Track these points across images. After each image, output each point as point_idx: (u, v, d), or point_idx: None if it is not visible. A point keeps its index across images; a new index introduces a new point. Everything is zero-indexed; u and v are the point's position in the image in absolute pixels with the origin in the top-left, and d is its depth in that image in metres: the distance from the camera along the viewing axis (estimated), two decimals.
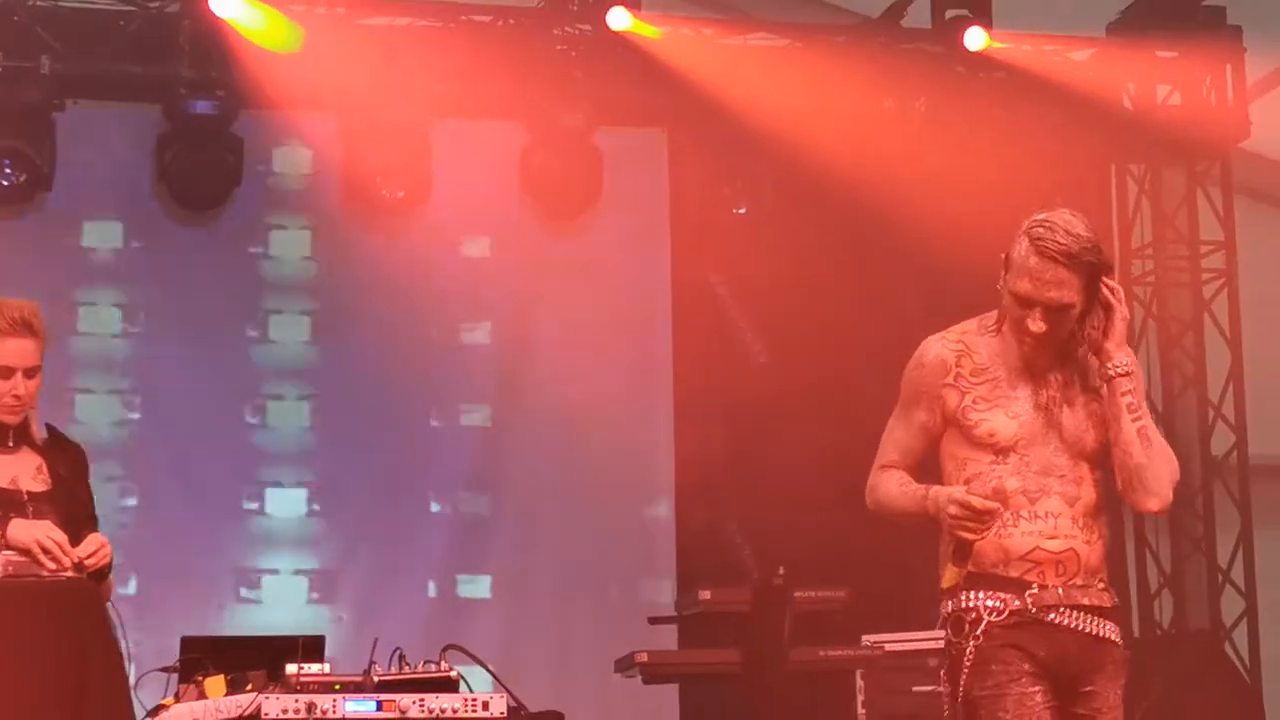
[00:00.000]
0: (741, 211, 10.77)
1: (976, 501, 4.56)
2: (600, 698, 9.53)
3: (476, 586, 10.46)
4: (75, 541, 5.43)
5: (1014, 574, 4.65)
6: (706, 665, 9.10)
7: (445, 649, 6.15)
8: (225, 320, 10.32)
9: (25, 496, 5.51)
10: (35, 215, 9.97)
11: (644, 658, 8.98)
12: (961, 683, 4.69)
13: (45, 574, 5.36)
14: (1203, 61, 11.08)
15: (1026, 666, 4.63)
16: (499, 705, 5.87)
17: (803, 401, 10.46)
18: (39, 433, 5.67)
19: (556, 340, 10.52)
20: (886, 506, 4.85)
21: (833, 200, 10.36)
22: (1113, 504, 4.81)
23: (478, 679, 6.27)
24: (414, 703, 5.80)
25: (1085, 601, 4.67)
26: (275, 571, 10.26)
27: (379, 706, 5.78)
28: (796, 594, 8.89)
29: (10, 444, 5.60)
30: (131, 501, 9.96)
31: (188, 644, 6.26)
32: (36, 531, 5.37)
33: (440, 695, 5.83)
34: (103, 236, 10.19)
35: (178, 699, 5.95)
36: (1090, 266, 4.61)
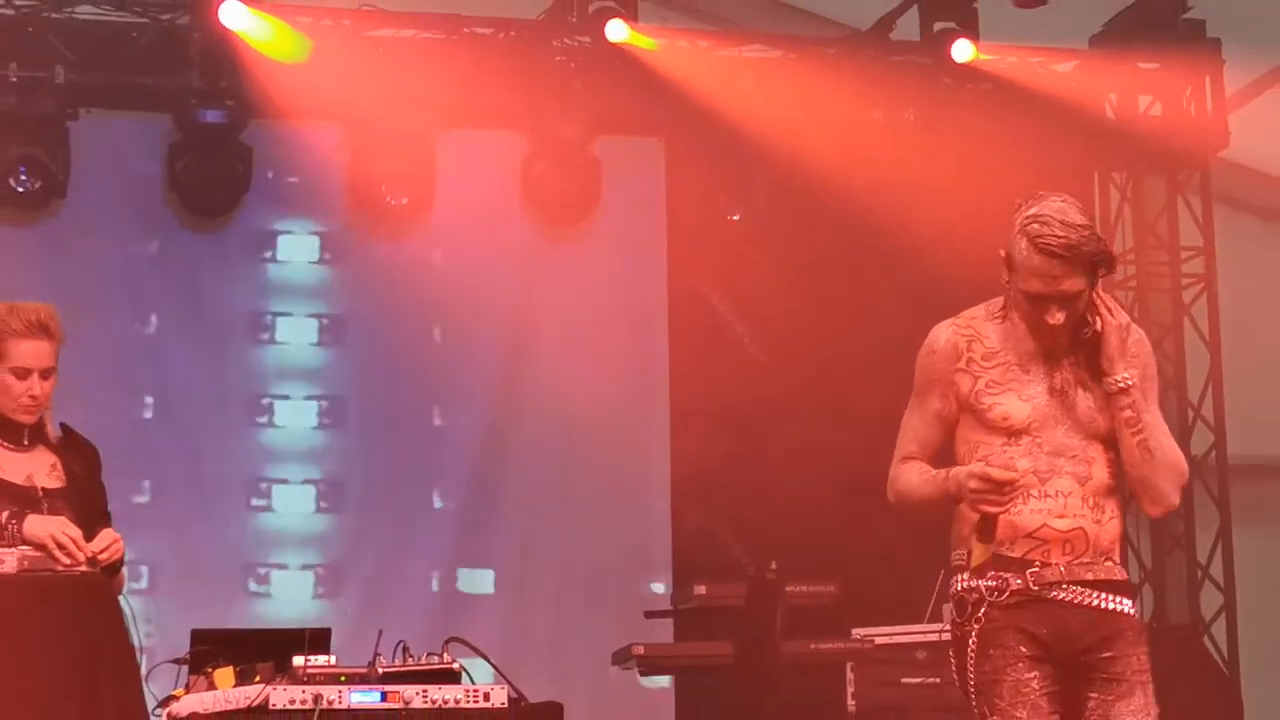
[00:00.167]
0: (736, 218, 10.76)
1: (995, 472, 4.47)
2: (598, 689, 9.52)
3: (478, 581, 10.45)
4: (89, 537, 5.43)
5: (1018, 553, 4.56)
6: (701, 658, 9.11)
7: (447, 641, 6.13)
8: (235, 322, 10.31)
9: (40, 493, 5.52)
10: (50, 220, 9.96)
11: (641, 650, 9.00)
12: (965, 664, 4.59)
13: (60, 568, 5.36)
14: (1183, 73, 11.07)
15: (1024, 650, 4.54)
16: (500, 696, 5.86)
17: (795, 402, 10.45)
18: (54, 431, 5.67)
19: (556, 342, 10.51)
20: (908, 497, 4.73)
21: (824, 207, 10.36)
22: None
23: (479, 671, 6.26)
24: (417, 694, 5.79)
25: (1089, 577, 4.57)
26: (283, 566, 10.25)
27: (383, 697, 5.77)
28: (788, 589, 8.90)
29: (26, 442, 5.60)
30: (143, 498, 9.94)
31: (198, 637, 6.25)
32: (52, 527, 5.37)
33: (443, 686, 5.82)
34: (115, 241, 10.18)
35: (188, 690, 5.94)
36: (1093, 255, 4.52)
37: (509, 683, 5.97)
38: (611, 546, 10.46)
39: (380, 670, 5.87)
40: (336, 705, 5.69)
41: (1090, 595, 4.57)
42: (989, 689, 4.54)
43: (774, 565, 8.92)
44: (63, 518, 5.42)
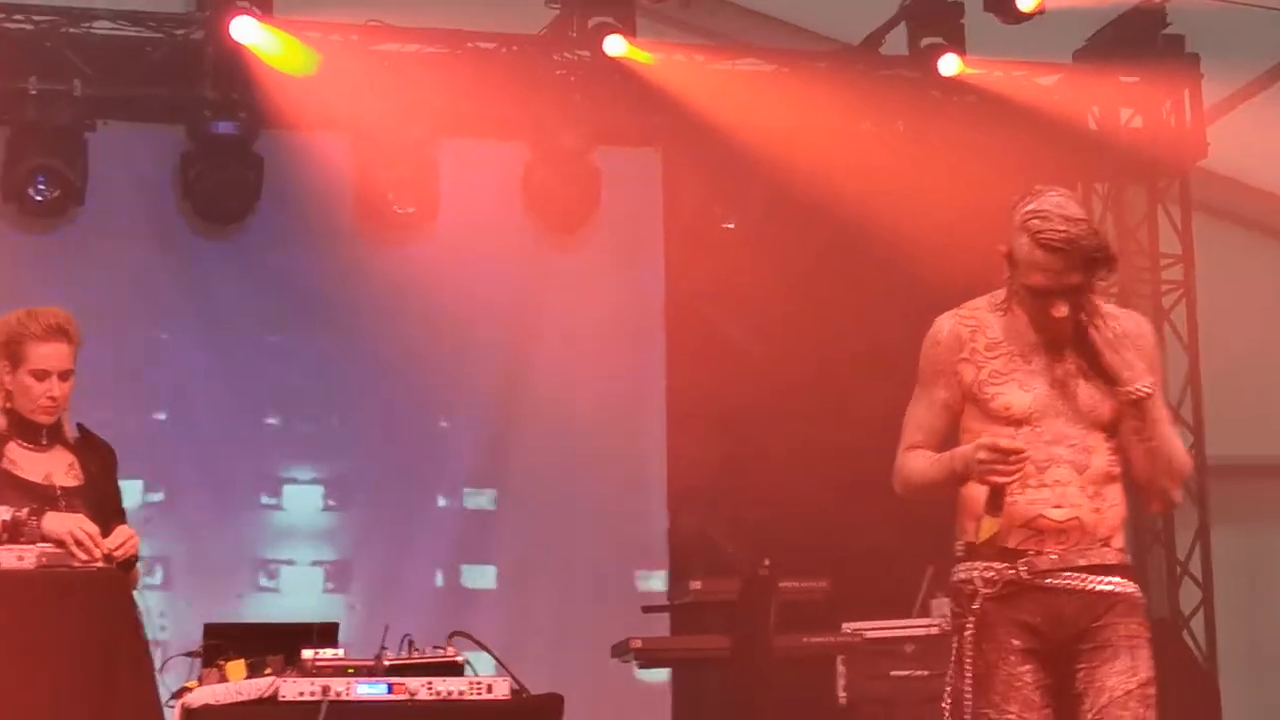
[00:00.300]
0: (731, 226, 10.76)
1: (1003, 442, 4.40)
2: (597, 681, 9.51)
3: (481, 577, 10.45)
4: (105, 534, 5.44)
5: (1012, 543, 4.49)
6: (697, 651, 9.12)
7: (451, 635, 6.14)
8: (247, 327, 10.30)
9: (58, 491, 5.53)
10: (68, 228, 9.95)
11: (638, 644, 9.01)
12: (962, 656, 4.51)
13: (77, 564, 5.36)
14: (1163, 86, 11.08)
15: (1017, 644, 4.48)
16: (502, 688, 5.86)
17: (787, 404, 10.45)
18: (71, 432, 5.69)
19: (556, 346, 10.51)
20: (915, 482, 4.64)
21: (816, 215, 10.35)
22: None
23: (482, 663, 6.27)
24: (422, 685, 5.80)
25: (1082, 562, 4.48)
26: (292, 563, 10.24)
27: (390, 689, 5.77)
28: (781, 584, 8.91)
29: (44, 442, 5.62)
30: (158, 497, 9.94)
31: (210, 630, 6.25)
32: (70, 523, 5.38)
33: (447, 678, 5.82)
34: (132, 248, 10.18)
35: (201, 682, 5.94)
36: (1093, 249, 4.45)
37: (511, 675, 5.97)
38: (610, 544, 10.46)
39: (386, 663, 5.88)
40: (344, 697, 5.69)
41: (1083, 579, 4.49)
42: (983, 682, 4.49)
43: (767, 562, 8.93)
44: (81, 515, 5.43)
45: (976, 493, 4.51)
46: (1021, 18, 10.23)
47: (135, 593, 5.56)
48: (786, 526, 9.84)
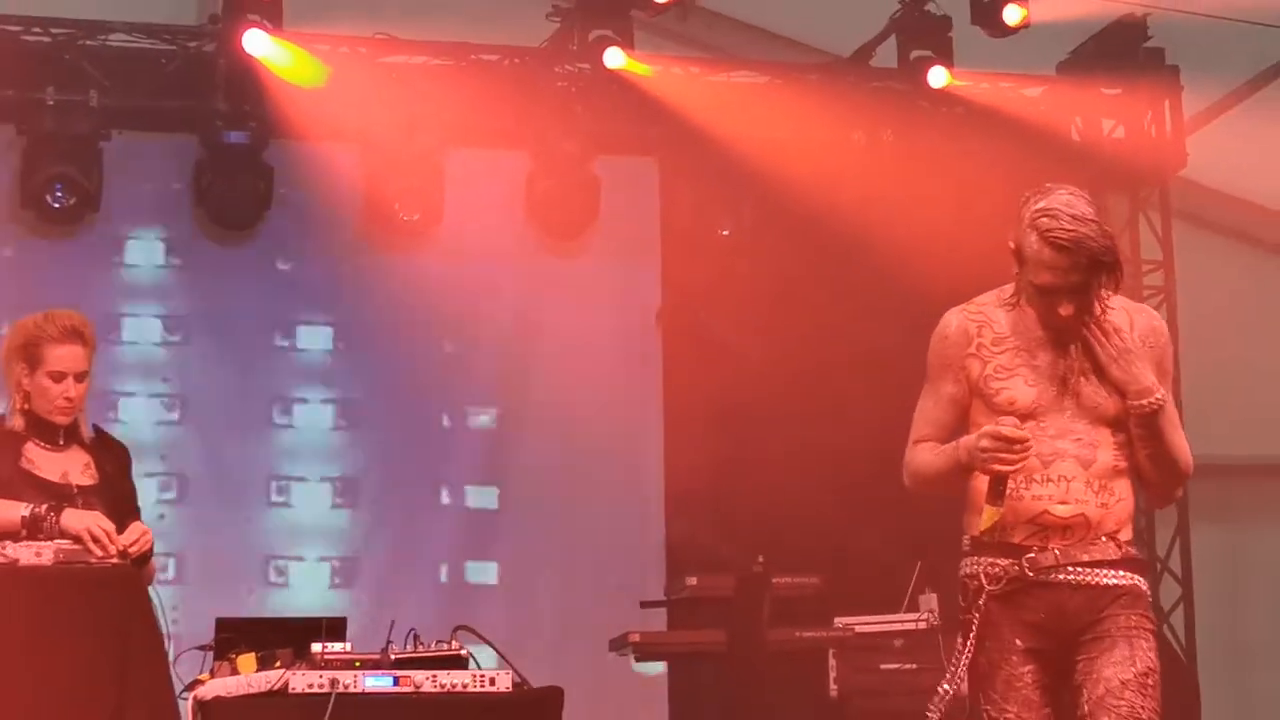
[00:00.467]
0: (726, 233, 10.75)
1: (1007, 430, 4.28)
2: (597, 674, 9.49)
3: (484, 573, 10.44)
4: (120, 531, 5.43)
5: (1016, 539, 4.39)
6: (693, 645, 9.11)
7: (455, 630, 6.12)
8: (257, 330, 10.30)
9: (75, 489, 5.53)
10: (84, 234, 9.95)
11: (636, 638, 9.00)
12: (965, 652, 4.41)
13: (93, 560, 5.36)
14: (1144, 98, 11.07)
15: (1019, 643, 4.39)
16: (504, 681, 5.84)
17: (781, 406, 10.44)
18: (87, 432, 5.68)
19: (557, 348, 10.50)
20: (922, 475, 4.53)
21: (809, 222, 10.34)
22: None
23: (485, 657, 6.25)
24: (427, 678, 5.77)
25: (1085, 557, 4.38)
26: (301, 559, 10.24)
27: (395, 682, 5.75)
28: (775, 580, 8.90)
29: (61, 442, 5.61)
30: (171, 495, 9.94)
31: (221, 624, 6.22)
32: (88, 520, 5.39)
33: (451, 672, 5.80)
34: (145, 254, 10.19)
35: (212, 674, 5.92)
36: (1100, 250, 4.36)
37: (513, 668, 5.95)
38: (609, 541, 10.45)
39: (392, 656, 5.85)
40: (352, 689, 5.67)
41: (1086, 574, 4.39)
42: (984, 681, 4.41)
43: (761, 559, 8.92)
44: (97, 512, 5.43)
45: (982, 485, 4.41)
46: (1007, 31, 10.23)
47: (150, 588, 5.54)
48: (781, 525, 9.83)
